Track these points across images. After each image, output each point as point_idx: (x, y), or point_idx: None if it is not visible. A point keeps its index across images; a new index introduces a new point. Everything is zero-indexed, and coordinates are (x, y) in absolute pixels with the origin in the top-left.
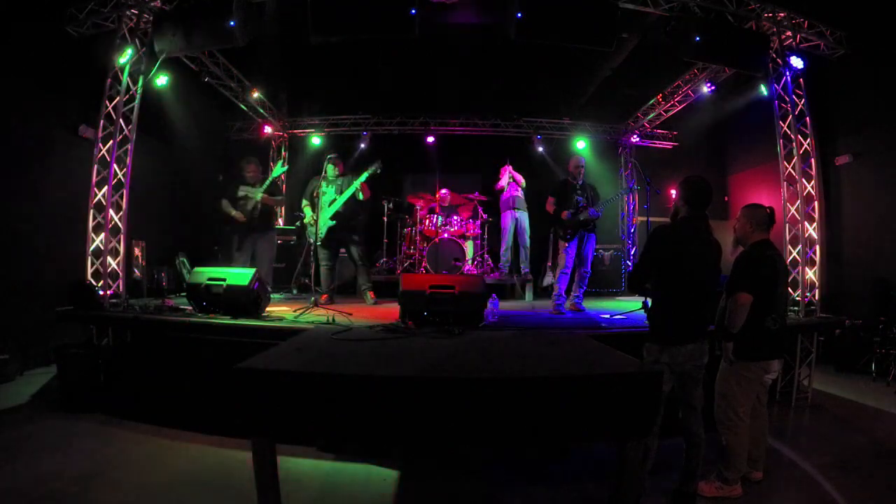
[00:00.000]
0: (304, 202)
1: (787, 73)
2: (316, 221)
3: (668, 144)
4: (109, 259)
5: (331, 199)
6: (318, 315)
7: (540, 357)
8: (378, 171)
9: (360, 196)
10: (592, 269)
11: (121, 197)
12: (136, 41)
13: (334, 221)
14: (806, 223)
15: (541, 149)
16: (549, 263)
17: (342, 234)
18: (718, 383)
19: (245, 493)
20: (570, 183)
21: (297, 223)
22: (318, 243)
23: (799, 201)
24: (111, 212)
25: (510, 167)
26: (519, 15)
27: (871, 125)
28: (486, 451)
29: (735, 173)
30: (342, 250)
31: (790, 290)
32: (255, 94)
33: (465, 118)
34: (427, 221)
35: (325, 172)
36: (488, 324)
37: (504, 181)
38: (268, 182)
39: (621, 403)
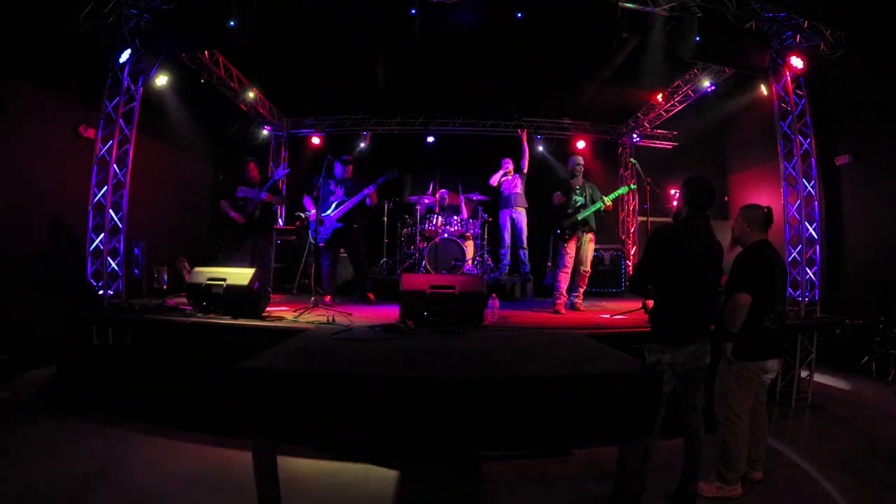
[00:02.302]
0: (309, 201)
1: (788, 73)
2: (314, 219)
3: (668, 144)
4: (109, 259)
5: (340, 199)
6: (318, 315)
7: (540, 357)
8: (394, 178)
9: (368, 202)
10: (592, 269)
11: (121, 197)
12: (136, 41)
13: (342, 224)
14: (806, 223)
15: (541, 148)
16: (550, 263)
17: (348, 235)
18: (717, 383)
19: (245, 493)
20: (569, 182)
21: (297, 223)
22: (323, 245)
23: (799, 201)
24: (111, 212)
25: (509, 160)
26: (519, 15)
27: (871, 125)
28: (486, 451)
29: (735, 173)
30: (342, 251)
31: (790, 290)
32: (255, 94)
33: (465, 118)
34: (427, 221)
35: (335, 172)
36: (488, 324)
37: (496, 177)
38: (269, 183)
39: (621, 403)
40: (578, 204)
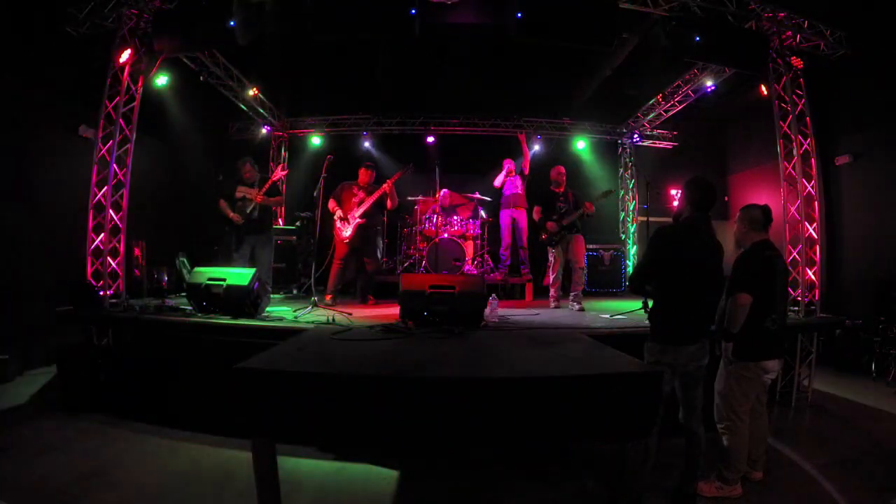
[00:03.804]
0: (332, 202)
1: (787, 73)
2: (334, 220)
3: (668, 144)
4: (109, 259)
5: (361, 200)
6: (318, 315)
7: (540, 357)
8: (408, 173)
9: (388, 203)
10: (592, 269)
11: (121, 197)
12: (136, 41)
13: (364, 220)
14: (806, 223)
15: (537, 147)
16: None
17: (367, 234)
18: (718, 383)
19: (245, 494)
20: (553, 191)
21: (297, 223)
22: (346, 240)
23: (799, 201)
24: (111, 212)
25: (511, 161)
26: (519, 15)
27: (871, 125)
28: (486, 451)
29: (735, 173)
30: (356, 251)
31: (790, 290)
32: (255, 94)
33: (465, 118)
34: (427, 221)
35: (359, 178)
36: (488, 324)
37: (500, 179)
38: (268, 183)
39: (621, 403)
40: (562, 210)
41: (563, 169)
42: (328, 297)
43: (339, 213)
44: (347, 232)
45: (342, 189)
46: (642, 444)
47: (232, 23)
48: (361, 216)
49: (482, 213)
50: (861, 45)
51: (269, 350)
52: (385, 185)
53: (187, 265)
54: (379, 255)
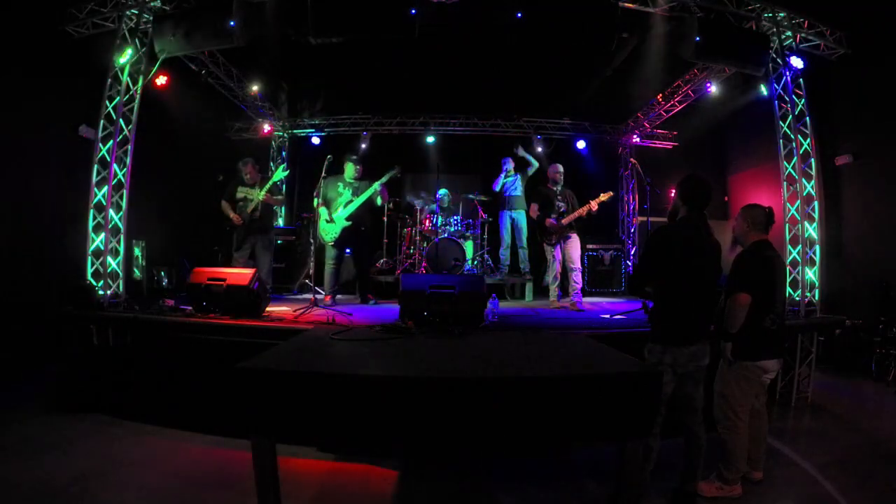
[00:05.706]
0: (317, 201)
1: (787, 73)
2: (319, 221)
3: (668, 144)
4: (109, 259)
5: (347, 200)
6: (317, 315)
7: (540, 357)
8: (397, 175)
9: (378, 201)
10: (592, 269)
11: (121, 197)
12: (136, 41)
13: (350, 223)
14: (806, 223)
15: (540, 149)
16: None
17: (355, 236)
18: (717, 383)
19: (245, 493)
20: (551, 189)
21: (299, 223)
22: (332, 243)
23: (799, 201)
24: (111, 212)
25: (510, 160)
26: (519, 15)
27: (872, 125)
28: (486, 451)
29: (735, 173)
30: (346, 250)
31: (790, 289)
32: (255, 94)
33: (465, 118)
34: (427, 221)
35: (344, 173)
36: (488, 324)
37: (498, 182)
38: (269, 183)
39: (621, 403)
40: (561, 209)
41: (560, 168)
42: (327, 298)
43: (325, 214)
44: (335, 233)
45: (327, 186)
46: (642, 444)
47: (232, 23)
48: (348, 218)
49: (482, 213)
50: (861, 45)
51: (269, 350)
52: (378, 188)
53: (187, 265)
54: (371, 254)
